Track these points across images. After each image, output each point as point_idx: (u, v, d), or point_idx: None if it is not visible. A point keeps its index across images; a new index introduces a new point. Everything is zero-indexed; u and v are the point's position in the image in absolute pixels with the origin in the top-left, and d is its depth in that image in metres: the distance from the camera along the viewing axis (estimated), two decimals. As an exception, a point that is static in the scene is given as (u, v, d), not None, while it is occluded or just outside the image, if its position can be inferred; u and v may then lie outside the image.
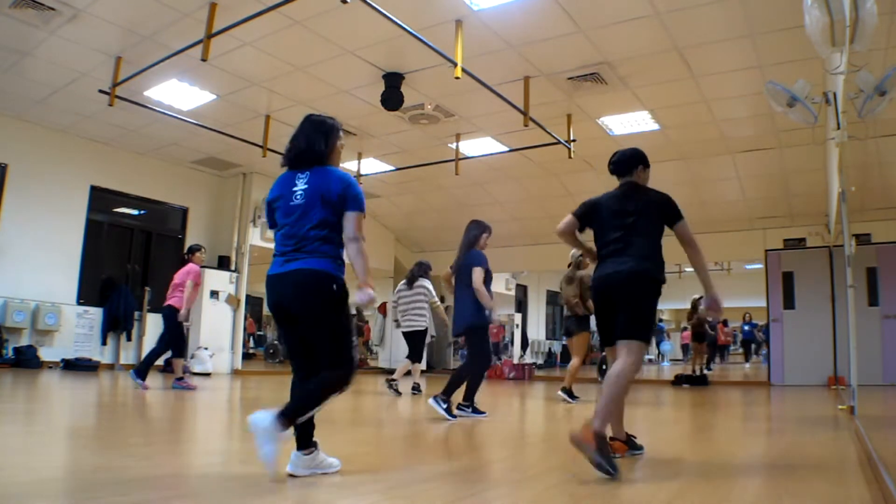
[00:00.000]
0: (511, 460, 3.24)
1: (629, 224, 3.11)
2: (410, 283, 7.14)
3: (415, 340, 7.11)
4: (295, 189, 2.53)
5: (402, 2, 5.24)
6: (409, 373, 7.36)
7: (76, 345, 8.75)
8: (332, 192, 2.48)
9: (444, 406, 4.55)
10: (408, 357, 7.26)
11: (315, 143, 2.59)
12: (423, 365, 7.19)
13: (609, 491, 2.44)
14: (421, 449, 3.59)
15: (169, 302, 6.42)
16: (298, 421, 2.37)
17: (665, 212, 3.16)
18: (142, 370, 6.24)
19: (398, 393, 6.95)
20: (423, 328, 7.06)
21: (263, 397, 6.76)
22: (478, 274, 4.56)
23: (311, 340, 2.50)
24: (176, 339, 6.44)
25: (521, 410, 6.18)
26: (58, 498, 2.05)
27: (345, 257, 2.57)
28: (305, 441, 2.47)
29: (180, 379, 6.50)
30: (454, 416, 4.57)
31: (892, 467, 2.41)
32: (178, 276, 6.55)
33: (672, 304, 19.57)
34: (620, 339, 2.89)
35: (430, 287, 7.18)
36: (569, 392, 6.46)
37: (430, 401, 4.60)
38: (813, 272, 9.52)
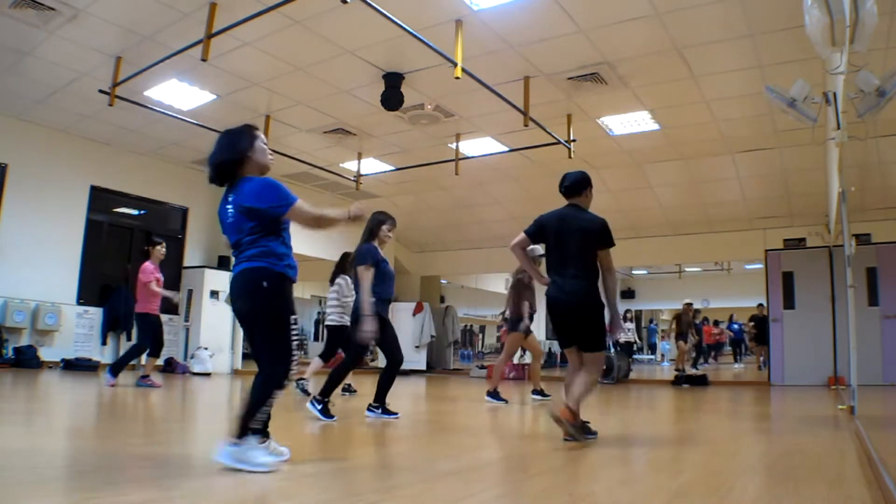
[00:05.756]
0: (510, 460, 3.25)
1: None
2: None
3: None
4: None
5: (402, 2, 5.24)
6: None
7: (76, 345, 8.74)
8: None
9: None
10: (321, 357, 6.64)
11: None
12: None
13: (609, 490, 2.44)
14: (421, 449, 3.58)
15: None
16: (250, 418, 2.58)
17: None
18: (118, 369, 6.41)
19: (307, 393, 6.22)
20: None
21: (263, 397, 6.75)
22: None
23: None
24: (148, 338, 6.51)
25: (521, 410, 6.18)
26: (58, 497, 2.05)
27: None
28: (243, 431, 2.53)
29: (145, 377, 6.47)
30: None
31: (892, 467, 2.41)
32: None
33: (672, 304, 19.58)
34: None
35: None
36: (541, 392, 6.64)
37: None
38: (813, 272, 9.52)
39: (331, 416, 4.30)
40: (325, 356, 6.40)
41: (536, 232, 3.79)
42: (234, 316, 2.80)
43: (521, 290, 6.39)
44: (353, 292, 4.75)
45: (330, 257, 11.09)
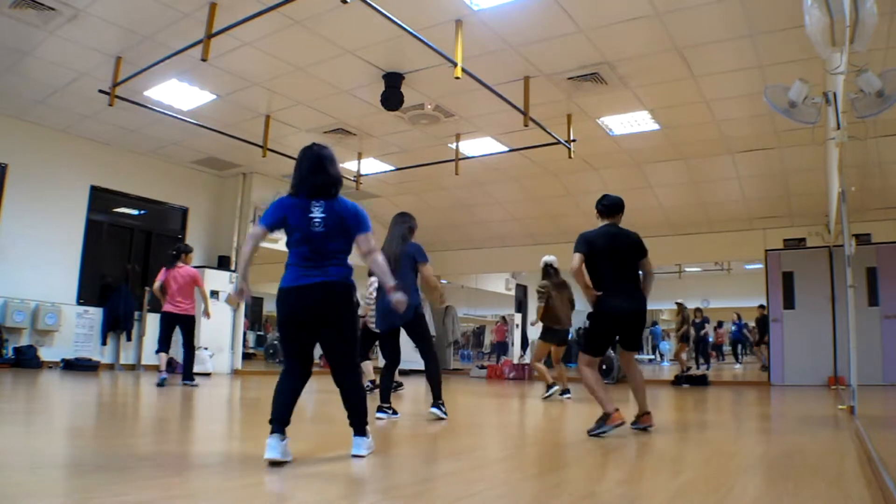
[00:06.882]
0: (511, 460, 3.25)
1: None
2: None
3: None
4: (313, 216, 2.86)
5: (402, 2, 5.24)
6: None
7: (76, 345, 8.74)
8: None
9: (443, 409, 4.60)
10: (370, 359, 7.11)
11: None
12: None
13: (609, 490, 2.44)
14: (421, 449, 3.59)
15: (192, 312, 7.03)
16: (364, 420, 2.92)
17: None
18: (188, 374, 7.01)
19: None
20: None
21: (264, 398, 6.76)
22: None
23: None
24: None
25: (520, 410, 6.18)
26: (58, 497, 2.05)
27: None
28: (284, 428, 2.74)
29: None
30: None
31: (892, 467, 2.41)
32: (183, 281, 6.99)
33: (672, 304, 19.58)
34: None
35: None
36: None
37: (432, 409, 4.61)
38: (813, 272, 9.51)
39: (394, 413, 4.62)
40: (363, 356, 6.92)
41: (589, 250, 4.02)
42: (299, 316, 2.83)
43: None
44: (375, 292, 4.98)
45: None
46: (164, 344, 6.93)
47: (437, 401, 4.59)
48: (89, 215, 9.13)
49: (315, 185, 2.88)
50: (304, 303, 2.81)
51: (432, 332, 7.14)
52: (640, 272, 4.18)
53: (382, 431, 4.04)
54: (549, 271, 6.77)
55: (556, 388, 6.68)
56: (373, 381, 7.02)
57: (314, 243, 2.83)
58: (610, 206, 4.15)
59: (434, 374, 4.61)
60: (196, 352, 9.21)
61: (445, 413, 4.61)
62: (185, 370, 7.06)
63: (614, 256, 4.02)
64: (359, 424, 2.89)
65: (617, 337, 4.20)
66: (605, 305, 3.99)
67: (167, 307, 6.95)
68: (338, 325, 2.86)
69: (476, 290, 17.28)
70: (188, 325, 7.00)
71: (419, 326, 4.59)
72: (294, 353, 2.88)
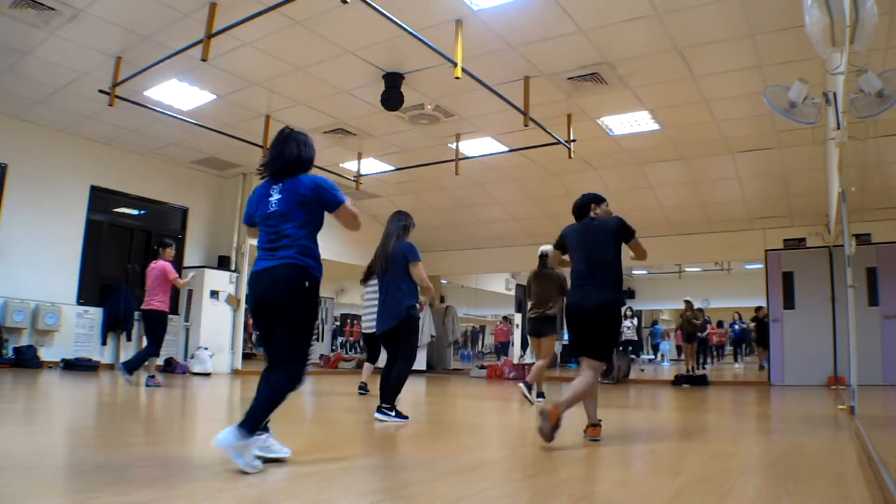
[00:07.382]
0: (511, 460, 3.24)
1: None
2: None
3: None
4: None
5: (402, 2, 5.24)
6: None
7: (76, 345, 8.75)
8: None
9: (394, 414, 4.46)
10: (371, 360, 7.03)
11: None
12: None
13: (609, 491, 2.44)
14: (421, 449, 3.58)
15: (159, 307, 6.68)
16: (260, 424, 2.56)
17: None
18: (133, 366, 6.34)
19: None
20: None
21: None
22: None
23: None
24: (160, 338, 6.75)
25: (520, 410, 6.18)
26: (58, 497, 2.05)
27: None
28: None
29: (152, 377, 6.63)
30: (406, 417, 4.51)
31: (892, 467, 2.41)
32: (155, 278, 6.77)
33: (672, 304, 19.59)
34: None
35: None
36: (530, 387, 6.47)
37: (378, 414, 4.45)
38: (813, 272, 9.52)
39: (404, 417, 4.47)
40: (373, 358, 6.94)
41: (560, 243, 3.98)
42: (252, 305, 2.77)
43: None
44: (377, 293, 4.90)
45: (337, 258, 11.12)
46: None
47: (385, 405, 4.43)
48: (89, 215, 9.13)
49: (275, 171, 2.82)
50: (257, 290, 2.73)
51: (432, 332, 7.13)
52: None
53: (382, 432, 4.04)
54: (541, 261, 6.69)
55: (541, 399, 6.46)
56: (364, 384, 6.92)
57: (269, 226, 2.77)
58: (574, 212, 3.98)
59: (399, 377, 4.48)
60: (196, 352, 9.28)
61: (401, 417, 4.42)
62: (131, 358, 6.52)
63: (583, 247, 3.82)
64: (250, 423, 2.49)
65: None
66: (567, 301, 3.97)
67: (143, 305, 6.81)
68: (281, 313, 2.64)
69: (476, 290, 17.29)
70: (155, 319, 6.64)
71: (408, 327, 4.53)
72: (266, 345, 2.77)
